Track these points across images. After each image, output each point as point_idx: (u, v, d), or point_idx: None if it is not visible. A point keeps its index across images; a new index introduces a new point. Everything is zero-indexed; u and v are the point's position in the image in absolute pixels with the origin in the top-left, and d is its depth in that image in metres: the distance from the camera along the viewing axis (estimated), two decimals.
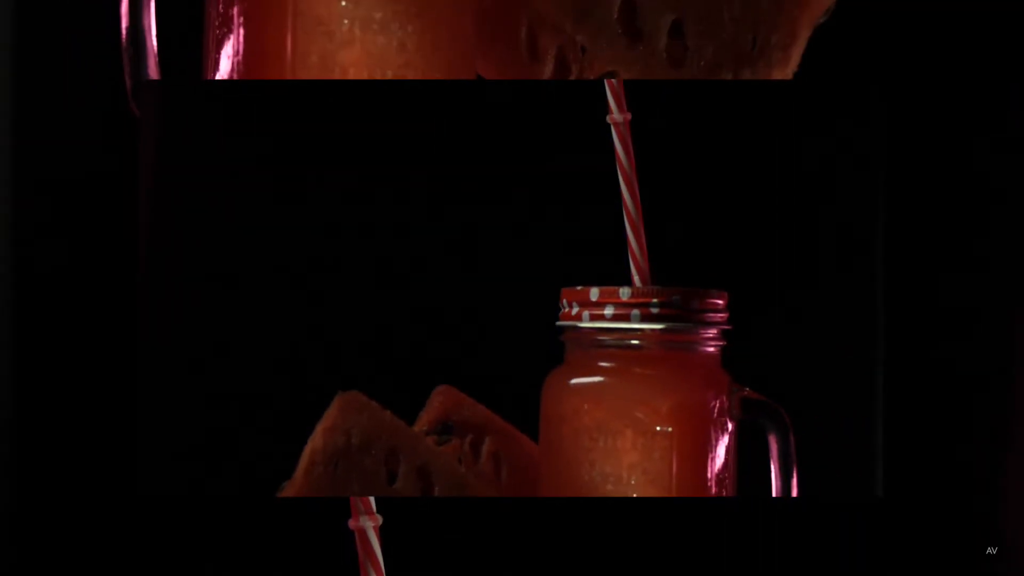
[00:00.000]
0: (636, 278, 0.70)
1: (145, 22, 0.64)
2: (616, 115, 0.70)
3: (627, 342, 0.69)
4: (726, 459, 0.70)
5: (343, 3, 0.63)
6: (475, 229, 0.87)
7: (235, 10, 0.64)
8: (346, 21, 0.63)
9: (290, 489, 0.70)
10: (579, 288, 0.70)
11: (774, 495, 0.69)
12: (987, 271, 0.79)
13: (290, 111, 0.83)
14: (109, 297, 0.78)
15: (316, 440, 0.70)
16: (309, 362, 0.86)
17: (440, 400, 0.79)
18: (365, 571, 0.52)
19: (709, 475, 0.69)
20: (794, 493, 0.69)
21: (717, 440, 0.69)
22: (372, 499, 0.53)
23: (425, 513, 0.75)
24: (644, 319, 0.69)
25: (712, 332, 0.70)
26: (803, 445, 0.69)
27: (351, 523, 0.53)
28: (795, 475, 0.69)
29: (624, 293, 0.69)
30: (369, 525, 0.53)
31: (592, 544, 0.79)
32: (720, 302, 0.71)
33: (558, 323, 0.72)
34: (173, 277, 0.84)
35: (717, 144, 0.86)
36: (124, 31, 0.64)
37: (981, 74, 0.79)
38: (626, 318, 0.69)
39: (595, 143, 0.72)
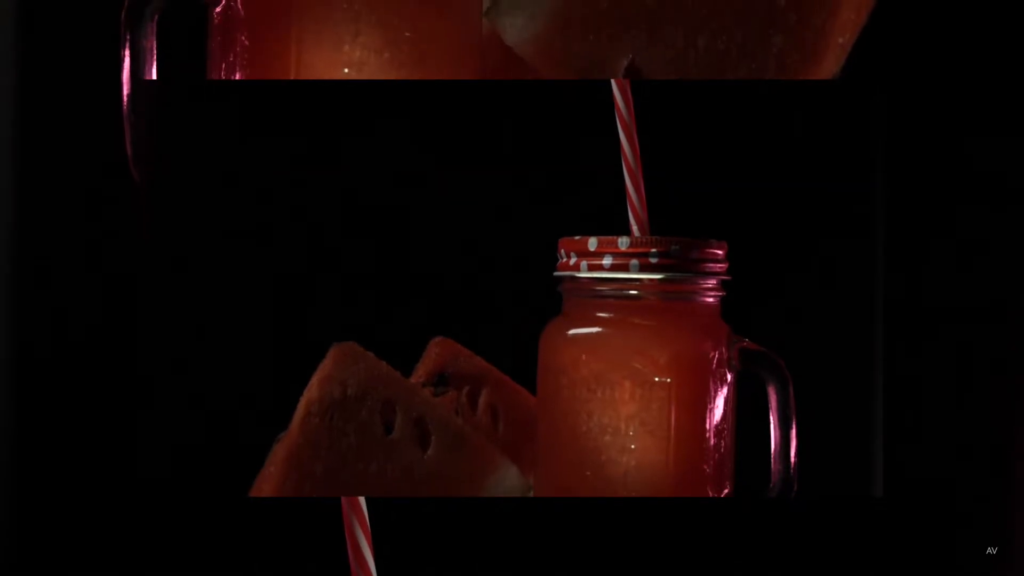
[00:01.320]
0: (635, 228, 0.70)
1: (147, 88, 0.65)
2: None
3: (625, 292, 0.69)
4: (725, 411, 0.69)
5: (346, 70, 0.65)
6: (473, 179, 0.86)
7: (237, 76, 0.66)
8: None
9: (285, 441, 0.70)
10: (577, 238, 0.70)
11: (773, 448, 0.69)
12: (989, 252, 0.79)
13: (291, 112, 0.83)
14: (107, 292, 0.78)
15: (311, 391, 0.70)
16: (306, 316, 0.86)
17: (437, 351, 0.78)
18: None
19: (708, 426, 0.68)
20: (793, 447, 0.68)
21: (716, 391, 0.69)
22: (373, 567, 0.52)
23: (422, 512, 0.75)
24: (643, 269, 0.68)
25: (711, 282, 0.70)
26: (801, 411, 0.69)
27: None
28: (794, 428, 0.69)
29: (623, 243, 0.68)
30: None
31: (589, 543, 0.79)
32: (719, 252, 0.70)
33: (556, 273, 0.71)
34: (172, 263, 0.83)
35: (717, 99, 0.85)
36: (125, 98, 0.64)
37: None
38: (624, 268, 0.68)
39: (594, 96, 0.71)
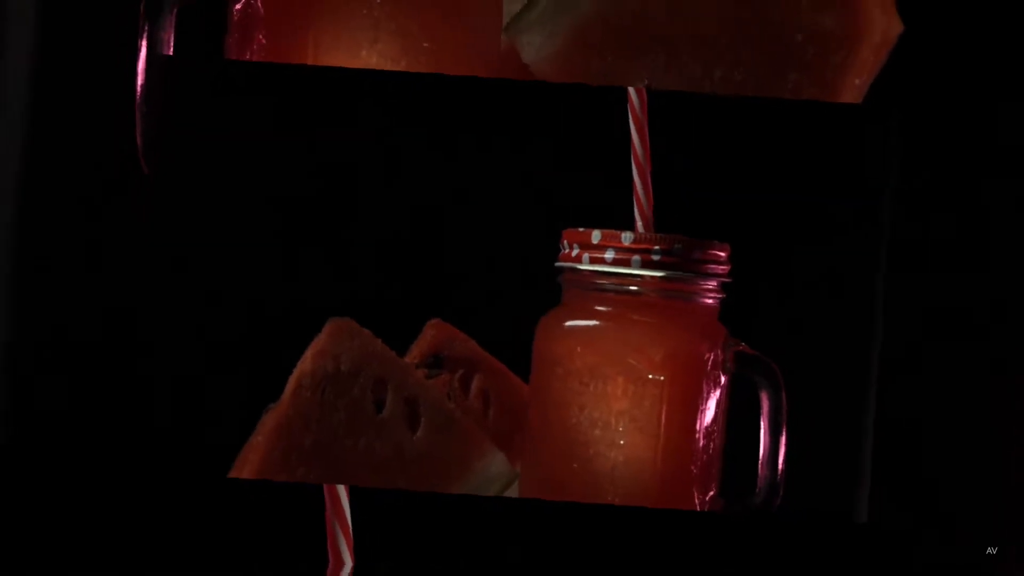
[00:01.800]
0: (639, 224, 0.70)
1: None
2: None
3: (625, 287, 0.69)
4: (716, 413, 0.69)
5: None
6: (477, 165, 0.86)
7: None
8: None
9: (275, 412, 0.70)
10: (581, 230, 0.70)
11: (761, 454, 0.69)
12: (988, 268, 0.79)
13: (300, 100, 0.83)
14: (106, 285, 0.78)
15: (305, 363, 0.70)
16: (305, 295, 0.85)
17: (432, 333, 0.78)
18: None
19: (698, 427, 0.68)
20: (781, 454, 0.68)
21: (709, 393, 0.69)
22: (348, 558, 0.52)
23: (407, 508, 0.75)
24: (645, 265, 0.68)
25: (712, 283, 0.70)
26: (793, 424, 0.68)
27: None
28: (784, 435, 0.69)
29: (626, 238, 0.68)
30: None
31: (573, 550, 0.79)
32: (722, 254, 0.70)
33: (557, 264, 0.71)
34: (172, 263, 0.83)
35: (730, 115, 0.85)
36: (139, 88, 0.64)
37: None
38: (626, 263, 0.68)
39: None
